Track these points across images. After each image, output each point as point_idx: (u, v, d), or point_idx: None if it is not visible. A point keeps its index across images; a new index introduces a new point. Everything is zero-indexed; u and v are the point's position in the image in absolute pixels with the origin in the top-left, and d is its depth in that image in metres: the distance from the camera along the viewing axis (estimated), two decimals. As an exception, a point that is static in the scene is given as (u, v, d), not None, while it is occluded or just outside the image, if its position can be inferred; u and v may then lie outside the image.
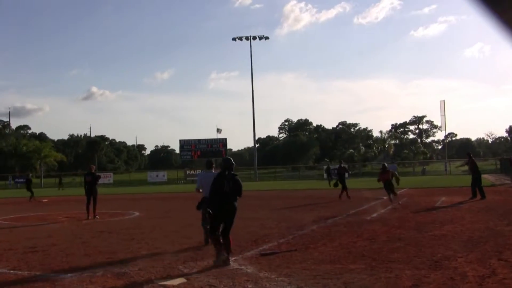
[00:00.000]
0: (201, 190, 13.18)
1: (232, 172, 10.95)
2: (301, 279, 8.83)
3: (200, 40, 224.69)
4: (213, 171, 13.43)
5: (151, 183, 75.19)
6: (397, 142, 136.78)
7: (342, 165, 29.66)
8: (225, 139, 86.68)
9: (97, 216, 21.22)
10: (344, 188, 28.69)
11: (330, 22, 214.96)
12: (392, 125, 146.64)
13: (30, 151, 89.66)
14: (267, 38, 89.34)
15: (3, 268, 10.84)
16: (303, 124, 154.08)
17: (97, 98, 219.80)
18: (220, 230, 10.70)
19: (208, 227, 11.45)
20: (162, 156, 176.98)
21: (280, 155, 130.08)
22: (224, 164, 11.07)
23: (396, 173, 41.77)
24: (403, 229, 15.36)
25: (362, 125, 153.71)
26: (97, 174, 22.93)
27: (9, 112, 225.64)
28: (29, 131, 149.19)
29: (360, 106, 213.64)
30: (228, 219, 10.70)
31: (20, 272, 10.42)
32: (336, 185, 29.20)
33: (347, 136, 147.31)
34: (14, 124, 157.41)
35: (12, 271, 10.49)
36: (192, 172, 76.70)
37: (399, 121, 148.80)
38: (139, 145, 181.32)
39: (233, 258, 11.00)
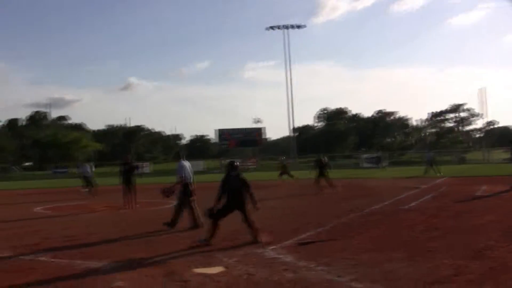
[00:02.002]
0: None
1: (237, 171, 12.64)
2: (340, 268, 8.82)
3: (237, 30, 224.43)
4: (182, 160, 15.48)
5: (188, 172, 75.39)
6: (435, 130, 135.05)
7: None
8: (262, 128, 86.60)
9: (137, 205, 21.37)
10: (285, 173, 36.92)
11: (367, 10, 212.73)
12: (430, 113, 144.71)
13: (69, 142, 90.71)
14: (302, 26, 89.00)
15: (43, 257, 11.02)
16: (340, 112, 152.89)
17: (135, 88, 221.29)
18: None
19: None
20: (198, 145, 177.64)
21: (317, 144, 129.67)
22: (228, 167, 12.80)
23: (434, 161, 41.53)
24: (442, 218, 15.22)
25: (400, 114, 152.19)
26: (135, 164, 23.05)
27: (49, 103, 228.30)
28: (68, 122, 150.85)
29: (398, 95, 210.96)
30: (242, 210, 12.22)
31: (60, 260, 10.56)
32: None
33: (385, 125, 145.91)
34: (53, 115, 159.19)
35: (52, 260, 10.66)
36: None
37: (437, 109, 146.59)
38: (176, 134, 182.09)
39: (271, 247, 11.06)
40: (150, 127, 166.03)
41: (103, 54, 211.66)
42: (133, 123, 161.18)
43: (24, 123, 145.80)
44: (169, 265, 9.59)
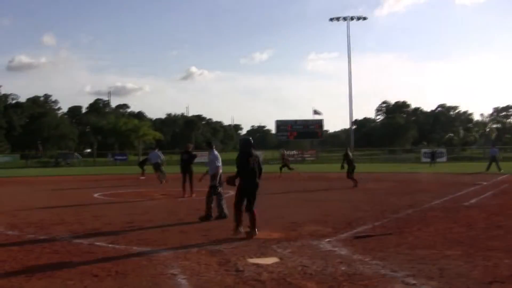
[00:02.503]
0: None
1: (252, 150, 12.02)
2: (396, 263, 8.69)
3: (300, 21, 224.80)
4: (214, 150, 15.74)
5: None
6: (499, 126, 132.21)
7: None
8: (322, 120, 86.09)
9: (194, 194, 21.47)
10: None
11: (432, 2, 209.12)
12: (494, 108, 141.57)
13: (128, 130, 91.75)
14: (365, 18, 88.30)
15: (102, 242, 11.21)
16: (401, 106, 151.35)
17: (195, 78, 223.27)
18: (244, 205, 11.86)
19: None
20: (258, 136, 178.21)
21: (377, 137, 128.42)
22: (243, 144, 12.23)
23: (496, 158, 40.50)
24: (503, 217, 14.83)
25: (462, 108, 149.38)
26: (194, 153, 23.11)
27: (110, 91, 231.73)
28: (128, 110, 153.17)
29: (460, 89, 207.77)
30: (252, 194, 11.73)
31: (118, 246, 10.75)
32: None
33: (446, 119, 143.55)
34: (114, 103, 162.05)
35: (110, 245, 10.83)
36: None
37: (502, 104, 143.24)
38: (235, 124, 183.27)
39: (326, 240, 10.98)
40: (209, 117, 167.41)
41: (165, 44, 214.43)
42: (192, 112, 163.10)
43: (85, 110, 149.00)
44: (224, 254, 9.62)
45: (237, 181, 12.07)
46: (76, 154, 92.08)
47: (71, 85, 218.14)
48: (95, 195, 23.27)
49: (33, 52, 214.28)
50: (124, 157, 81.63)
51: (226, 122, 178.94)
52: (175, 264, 8.96)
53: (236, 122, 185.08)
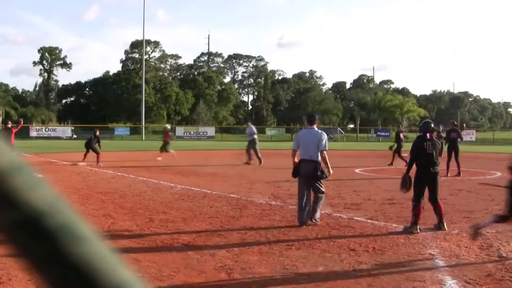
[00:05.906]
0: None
1: (432, 134, 10.62)
2: None
3: None
4: (315, 127, 11.38)
5: (514, 143, 71.28)
6: None
7: None
8: None
9: (461, 174, 20.75)
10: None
11: None
12: None
13: (392, 106, 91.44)
14: None
15: (361, 217, 11.36)
16: None
17: (464, 51, 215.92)
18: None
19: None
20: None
21: None
22: (423, 127, 10.68)
23: None
24: None
25: None
26: (459, 130, 22.17)
27: (373, 67, 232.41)
28: (392, 86, 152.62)
29: None
30: (433, 184, 10.08)
31: (376, 222, 10.83)
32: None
33: None
34: (378, 79, 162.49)
35: (369, 221, 10.95)
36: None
37: None
38: (504, 102, 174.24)
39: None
40: (476, 94, 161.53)
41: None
42: (458, 89, 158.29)
43: (349, 86, 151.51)
44: (486, 238, 9.17)
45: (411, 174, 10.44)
46: (339, 129, 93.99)
47: (336, 61, 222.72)
48: (356, 170, 23.47)
49: (302, 29, 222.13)
50: (387, 133, 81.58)
51: (495, 99, 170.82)
52: (433, 244, 8.79)
53: (506, 100, 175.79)
